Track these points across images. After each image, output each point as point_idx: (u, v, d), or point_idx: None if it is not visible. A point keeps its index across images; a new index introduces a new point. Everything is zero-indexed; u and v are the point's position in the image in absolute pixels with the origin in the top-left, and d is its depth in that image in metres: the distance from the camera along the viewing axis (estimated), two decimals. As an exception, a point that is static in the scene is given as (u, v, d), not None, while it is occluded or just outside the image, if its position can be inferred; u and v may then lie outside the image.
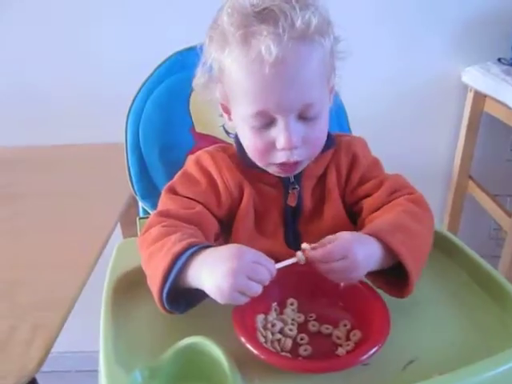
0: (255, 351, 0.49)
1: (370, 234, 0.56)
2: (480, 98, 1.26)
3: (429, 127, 1.39)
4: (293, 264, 0.55)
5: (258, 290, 0.50)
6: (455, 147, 1.40)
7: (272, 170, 0.64)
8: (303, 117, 0.59)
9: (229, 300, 0.51)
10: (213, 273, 0.50)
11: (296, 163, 0.61)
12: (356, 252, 0.53)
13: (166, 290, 0.53)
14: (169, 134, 0.86)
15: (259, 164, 0.64)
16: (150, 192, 0.86)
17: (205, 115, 0.88)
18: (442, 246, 0.70)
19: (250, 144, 0.62)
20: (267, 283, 0.51)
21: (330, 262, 0.53)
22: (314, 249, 0.54)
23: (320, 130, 0.62)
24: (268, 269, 0.51)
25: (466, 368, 0.47)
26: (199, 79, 0.66)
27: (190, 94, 0.87)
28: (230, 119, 0.68)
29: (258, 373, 0.50)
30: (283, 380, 0.49)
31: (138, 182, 0.87)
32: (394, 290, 0.57)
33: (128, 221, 1.05)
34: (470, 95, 1.28)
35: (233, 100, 0.62)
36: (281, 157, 0.60)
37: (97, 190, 1.05)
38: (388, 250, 0.55)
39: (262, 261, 0.51)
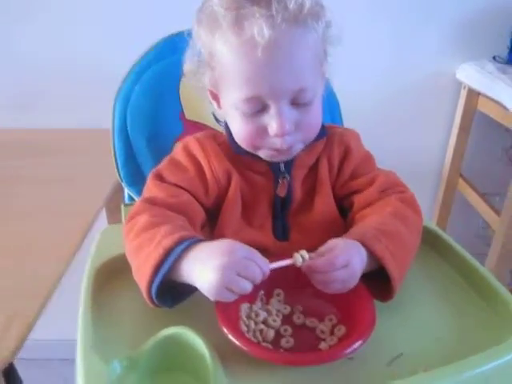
0: (234, 339, 0.48)
1: (355, 239, 0.55)
2: (473, 95, 1.25)
3: (421, 124, 1.39)
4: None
5: (247, 287, 0.49)
6: (447, 145, 1.39)
7: (264, 153, 0.62)
8: (296, 102, 0.57)
9: (217, 296, 0.49)
10: (204, 268, 0.49)
11: (289, 148, 0.60)
12: (355, 261, 0.52)
13: (155, 285, 0.51)
14: (157, 119, 0.83)
15: (249, 150, 0.63)
16: (137, 178, 0.84)
17: (195, 101, 0.86)
18: (430, 241, 0.69)
19: (241, 131, 0.61)
20: (258, 282, 0.50)
21: (330, 272, 0.51)
22: (311, 258, 0.53)
23: (313, 116, 0.60)
24: (260, 267, 0.50)
25: (452, 365, 0.46)
26: (188, 65, 0.64)
27: (180, 80, 0.85)
28: (218, 107, 0.66)
29: (242, 365, 0.49)
30: (268, 374, 0.48)
31: (124, 168, 0.84)
32: (376, 294, 0.56)
33: (114, 207, 1.03)
34: (464, 93, 1.28)
35: (223, 86, 0.60)
36: (273, 143, 0.59)
37: (82, 175, 1.02)
38: (372, 255, 0.54)
39: (255, 258, 0.50)
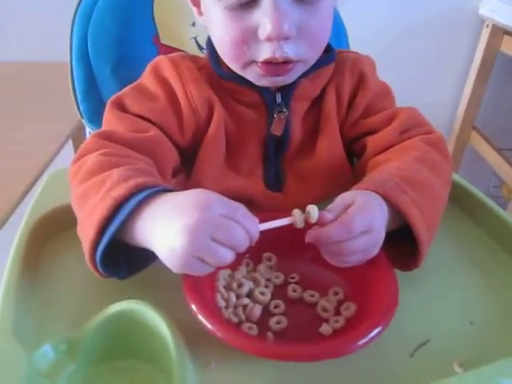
0: (204, 320, 0.36)
1: (373, 190, 0.42)
2: (497, 33, 1.12)
3: (433, 67, 1.26)
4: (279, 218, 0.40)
5: (225, 257, 0.36)
6: (461, 92, 1.27)
7: (253, 74, 0.48)
8: None
9: (183, 268, 0.37)
10: (165, 229, 0.37)
11: (286, 63, 0.46)
12: (378, 222, 0.40)
13: (101, 248, 0.38)
14: (126, 42, 0.70)
15: (235, 66, 0.49)
16: (100, 114, 0.68)
17: (173, 24, 0.72)
18: (455, 196, 0.56)
19: (224, 34, 0.47)
20: (242, 250, 0.37)
21: (346, 241, 0.39)
22: (322, 223, 0.39)
23: (321, 20, 0.46)
24: (246, 230, 0.37)
25: (500, 362, 0.34)
26: None
27: (154, -4, 0.70)
28: (199, 13, 0.52)
29: (216, 353, 0.37)
30: (248, 365, 0.37)
31: (85, 101, 0.71)
32: (397, 261, 0.44)
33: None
34: (487, 31, 1.14)
35: None
36: (265, 51, 0.45)
37: (42, 113, 0.88)
38: (395, 210, 0.42)
39: (238, 217, 0.37)
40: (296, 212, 0.39)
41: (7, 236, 0.56)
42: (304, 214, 0.39)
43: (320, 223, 0.39)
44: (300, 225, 0.39)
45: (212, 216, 0.36)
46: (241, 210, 0.38)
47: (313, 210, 0.39)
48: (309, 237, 0.40)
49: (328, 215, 0.39)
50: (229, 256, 0.36)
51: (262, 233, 0.38)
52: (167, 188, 0.40)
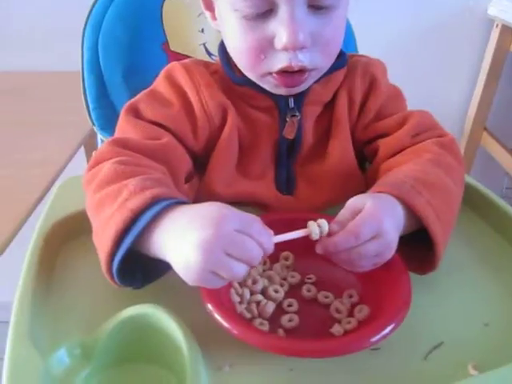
0: (215, 313, 0.37)
1: (388, 193, 0.42)
2: (507, 33, 1.11)
3: (444, 68, 1.24)
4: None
5: (239, 271, 0.36)
6: (472, 93, 1.25)
7: (269, 84, 0.49)
8: (315, 5, 0.44)
9: (198, 281, 0.37)
10: (181, 244, 0.37)
11: (302, 72, 0.46)
12: (388, 226, 0.39)
13: (117, 260, 0.38)
14: (136, 50, 0.70)
15: (251, 74, 0.49)
16: (112, 121, 0.70)
17: (181, 31, 0.73)
18: (467, 198, 0.54)
19: (240, 42, 0.47)
20: (256, 264, 0.37)
21: (356, 248, 0.39)
22: (331, 233, 0.40)
23: (335, 29, 0.47)
24: (260, 243, 0.37)
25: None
26: None
27: (163, 2, 0.71)
28: (213, 18, 0.52)
29: (229, 357, 0.37)
30: (261, 368, 0.37)
31: (97, 109, 0.72)
32: (414, 264, 0.43)
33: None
34: (496, 31, 1.12)
35: None
36: (281, 60, 0.45)
37: (54, 121, 0.89)
38: (411, 212, 0.42)
39: (252, 231, 0.37)
40: (311, 224, 0.40)
41: (22, 242, 0.57)
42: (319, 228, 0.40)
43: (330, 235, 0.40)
44: (315, 237, 0.40)
45: (227, 231, 0.36)
46: (256, 224, 0.38)
47: (322, 223, 0.40)
48: (318, 248, 0.40)
49: (335, 227, 0.40)
50: (243, 270, 0.36)
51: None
52: (182, 200, 0.41)
